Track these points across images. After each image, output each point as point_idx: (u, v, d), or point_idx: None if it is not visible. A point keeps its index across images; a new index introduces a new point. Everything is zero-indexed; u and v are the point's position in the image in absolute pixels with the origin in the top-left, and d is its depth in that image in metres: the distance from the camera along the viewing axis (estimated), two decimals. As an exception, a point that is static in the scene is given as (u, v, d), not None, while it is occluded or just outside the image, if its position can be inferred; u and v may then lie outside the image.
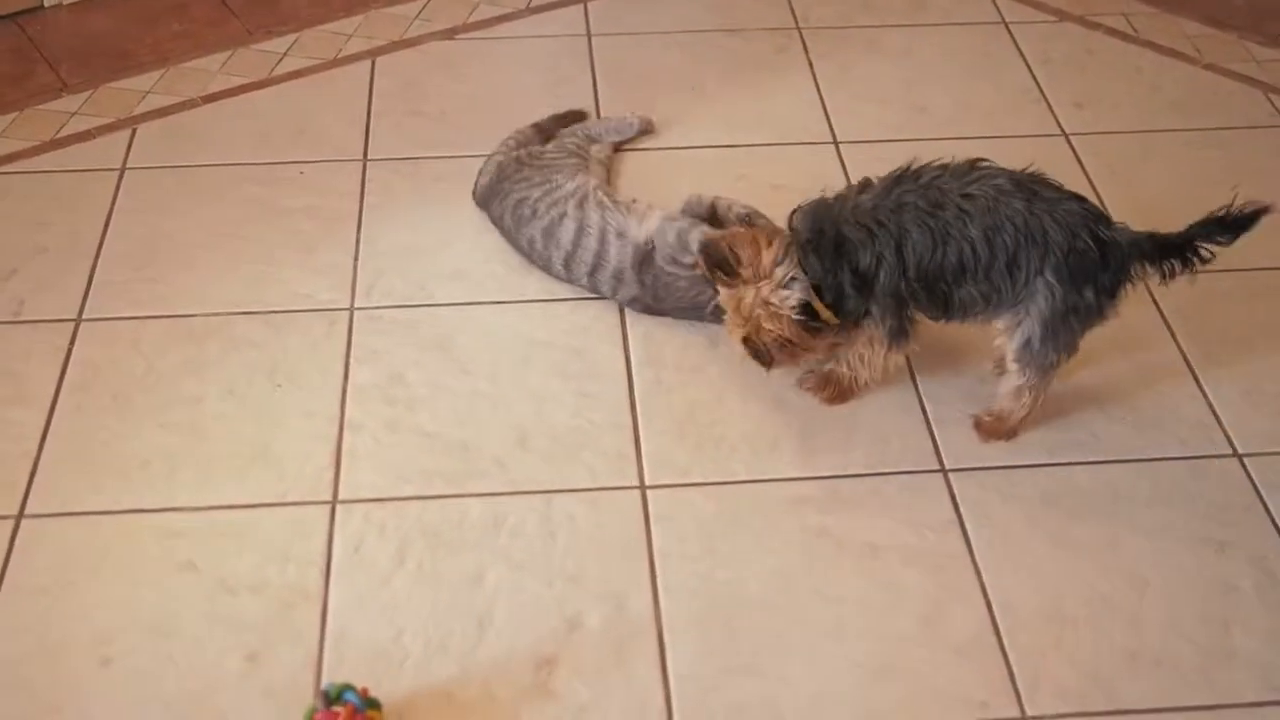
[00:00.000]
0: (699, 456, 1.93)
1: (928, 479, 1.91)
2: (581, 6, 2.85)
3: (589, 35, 2.77)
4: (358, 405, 1.99)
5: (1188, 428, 1.99)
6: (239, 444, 1.93)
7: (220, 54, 2.70)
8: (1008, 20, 2.81)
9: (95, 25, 2.77)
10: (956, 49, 2.70)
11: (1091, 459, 1.94)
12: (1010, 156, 2.37)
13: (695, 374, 2.05)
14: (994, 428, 1.95)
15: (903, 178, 1.84)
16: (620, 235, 2.11)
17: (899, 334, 1.89)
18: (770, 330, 1.84)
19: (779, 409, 2.00)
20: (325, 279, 2.20)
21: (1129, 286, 1.82)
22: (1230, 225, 1.80)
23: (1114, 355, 2.09)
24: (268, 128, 2.52)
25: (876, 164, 2.39)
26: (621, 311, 2.14)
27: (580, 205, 2.15)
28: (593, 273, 2.13)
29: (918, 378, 2.05)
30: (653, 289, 2.10)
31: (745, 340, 1.88)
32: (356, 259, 2.23)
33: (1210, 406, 2.02)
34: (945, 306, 1.86)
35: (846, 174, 2.41)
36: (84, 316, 2.11)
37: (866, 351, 1.93)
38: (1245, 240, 2.27)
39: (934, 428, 1.97)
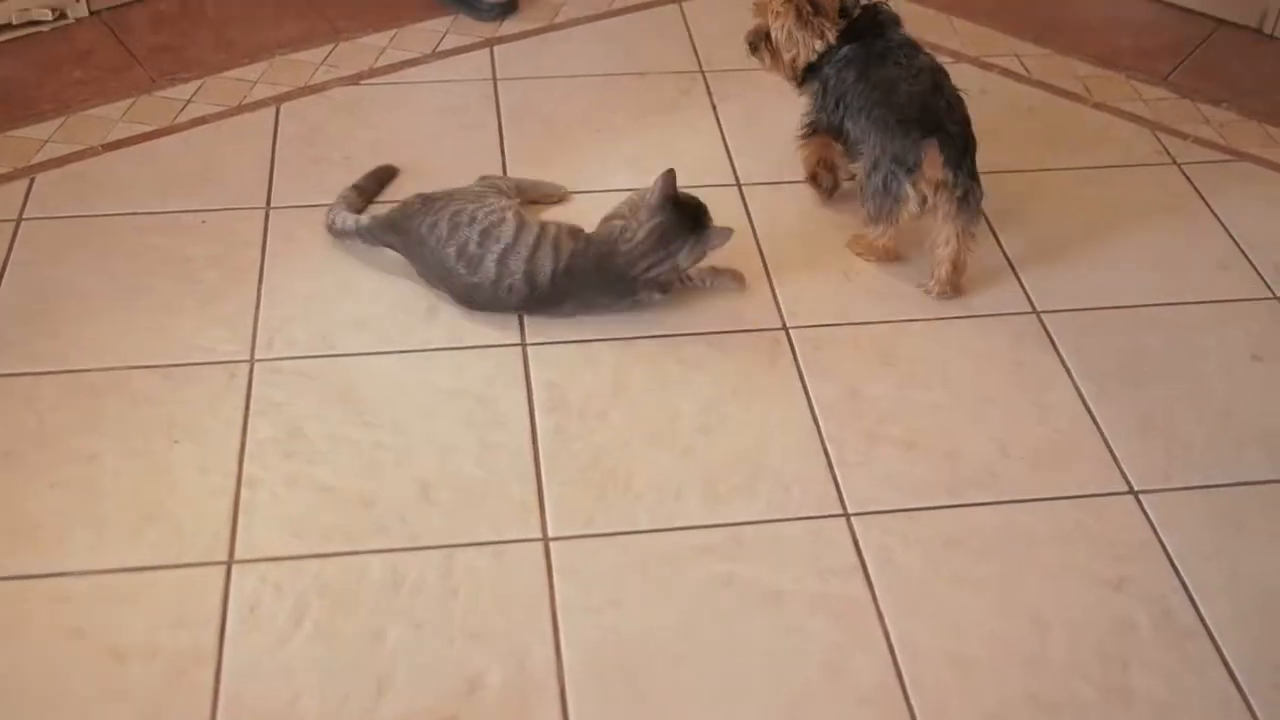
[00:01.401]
0: (602, 506, 1.92)
1: (830, 524, 1.91)
2: (487, 50, 2.85)
3: (494, 79, 2.77)
4: (256, 460, 1.96)
5: (1085, 465, 2.01)
6: (133, 503, 1.90)
7: (123, 101, 2.67)
8: (909, 60, 2.84)
9: (-7, 73, 2.74)
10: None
11: (992, 499, 1.95)
12: None
13: (599, 421, 2.04)
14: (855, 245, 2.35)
15: (905, 45, 2.29)
16: (574, 234, 2.18)
17: (811, 119, 2.39)
18: None
19: (683, 455, 1.99)
20: (226, 330, 2.17)
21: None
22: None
23: (1012, 394, 2.12)
24: (170, 176, 2.49)
25: (780, 205, 2.45)
26: (525, 359, 2.14)
27: (518, 215, 2.19)
28: (529, 268, 2.14)
29: (820, 421, 2.05)
30: (600, 281, 2.17)
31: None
32: (258, 309, 2.21)
33: (1106, 444, 2.04)
34: (837, 130, 2.32)
35: (750, 217, 2.42)
36: (-26, 374, 2.08)
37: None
38: (1132, 277, 2.33)
39: (836, 471, 1.98)
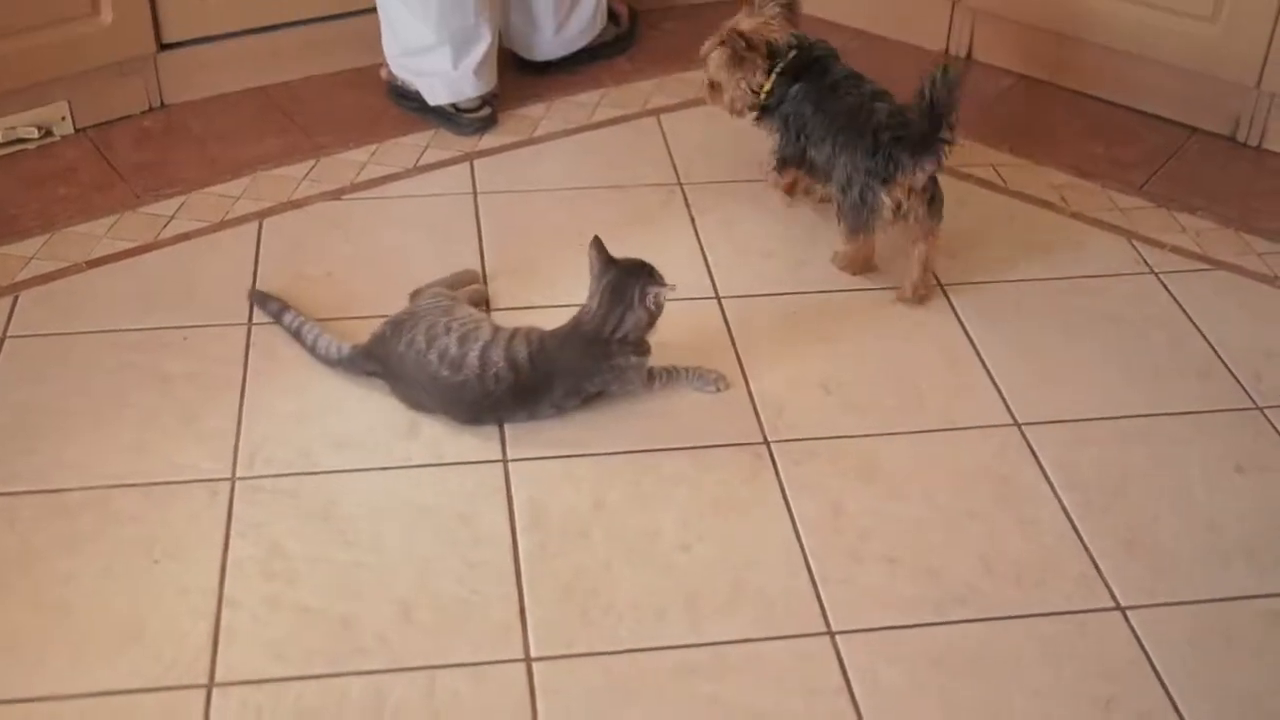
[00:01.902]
0: (585, 625, 1.90)
1: (815, 642, 1.89)
2: (468, 164, 2.88)
3: (475, 193, 2.79)
4: (237, 580, 1.95)
5: (1071, 581, 2.00)
6: (113, 624, 1.88)
7: (107, 218, 2.68)
8: (885, 173, 2.87)
9: (-23, 191, 2.75)
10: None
11: (976, 616, 1.94)
12: (887, 304, 2.44)
13: (580, 539, 2.03)
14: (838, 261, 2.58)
15: (851, 76, 2.54)
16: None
17: (778, 152, 2.63)
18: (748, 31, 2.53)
19: (665, 573, 1.98)
20: (207, 448, 2.16)
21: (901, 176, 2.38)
22: (934, 98, 2.30)
23: (994, 508, 2.11)
24: (153, 292, 2.50)
25: (760, 318, 2.46)
26: (507, 475, 2.13)
27: (490, 321, 2.29)
28: (509, 355, 2.17)
29: (802, 537, 2.05)
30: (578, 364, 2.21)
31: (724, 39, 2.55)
32: (239, 426, 2.21)
33: (1091, 558, 2.03)
34: (800, 159, 2.58)
35: (729, 329, 2.44)
36: (-46, 495, 2.06)
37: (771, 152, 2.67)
38: (1113, 388, 2.33)
39: (819, 588, 1.97)
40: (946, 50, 3.35)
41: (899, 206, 2.39)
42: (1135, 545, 2.06)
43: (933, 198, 2.43)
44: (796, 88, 2.53)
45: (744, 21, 2.55)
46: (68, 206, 2.72)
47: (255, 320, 2.42)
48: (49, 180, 2.79)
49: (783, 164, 2.65)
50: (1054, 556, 2.04)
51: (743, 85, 2.56)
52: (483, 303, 2.47)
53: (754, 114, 2.61)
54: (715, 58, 2.56)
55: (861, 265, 2.57)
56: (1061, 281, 2.60)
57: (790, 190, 2.75)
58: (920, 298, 2.50)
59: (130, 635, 1.87)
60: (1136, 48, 3.05)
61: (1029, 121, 3.11)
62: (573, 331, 2.23)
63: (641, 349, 2.24)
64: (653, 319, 2.22)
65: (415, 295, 2.39)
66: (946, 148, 2.34)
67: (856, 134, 2.41)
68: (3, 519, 2.03)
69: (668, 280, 2.20)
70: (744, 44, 2.51)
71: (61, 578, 1.94)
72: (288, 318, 2.37)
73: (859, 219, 2.45)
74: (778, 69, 2.54)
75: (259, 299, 2.44)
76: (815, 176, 2.60)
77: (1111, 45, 3.08)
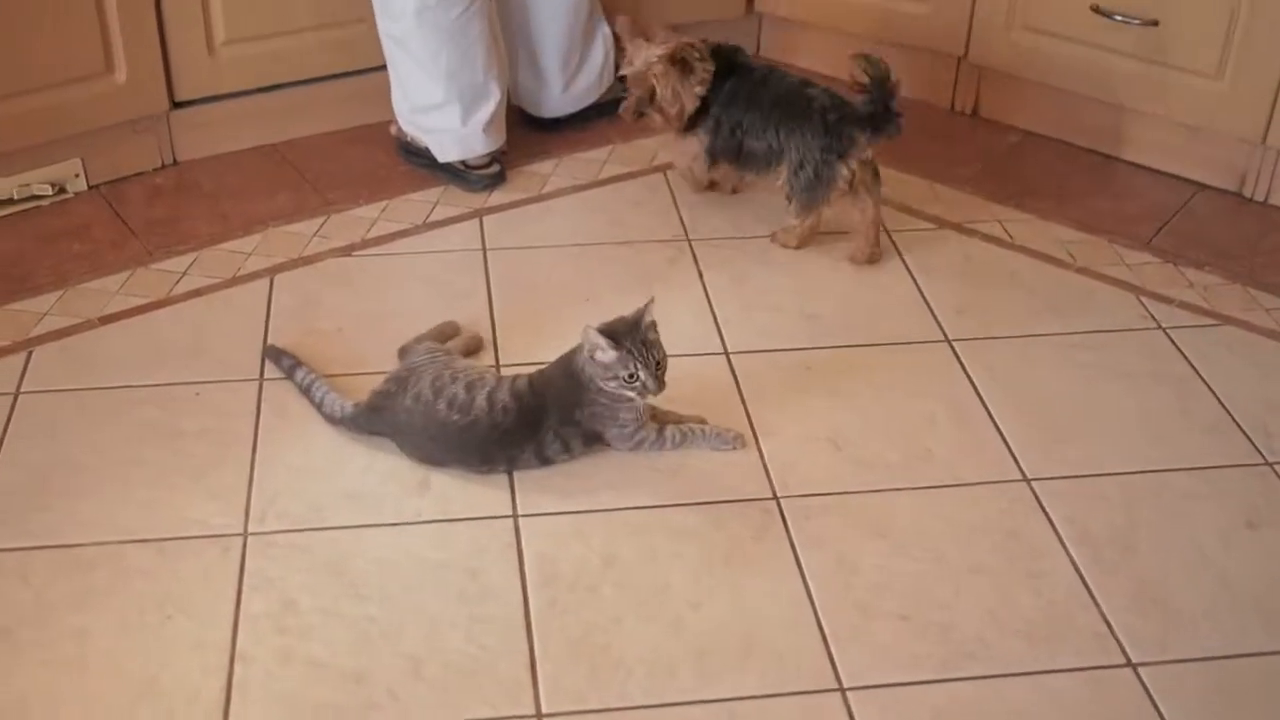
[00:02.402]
0: (595, 681, 1.90)
1: (826, 699, 1.89)
2: (477, 221, 2.90)
3: (484, 249, 2.81)
4: (249, 635, 1.95)
5: (1081, 637, 1.99)
6: (125, 680, 1.88)
7: (120, 274, 2.71)
8: (890, 229, 2.88)
9: (-7, 247, 2.77)
10: (842, 258, 2.78)
11: (987, 673, 1.93)
12: (896, 363, 2.51)
13: (591, 594, 2.04)
14: (784, 238, 2.80)
15: (775, 71, 2.80)
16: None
17: (709, 151, 2.82)
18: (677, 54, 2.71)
19: (675, 629, 1.98)
20: (219, 503, 2.17)
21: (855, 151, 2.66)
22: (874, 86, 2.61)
23: (1004, 564, 2.11)
24: (165, 348, 2.51)
25: (768, 373, 2.48)
26: (517, 530, 2.14)
27: (494, 371, 2.35)
28: (514, 390, 2.21)
29: (812, 593, 2.05)
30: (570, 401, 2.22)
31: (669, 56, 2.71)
32: (251, 482, 2.22)
33: (1102, 614, 2.03)
34: (737, 153, 2.78)
35: (739, 385, 2.45)
36: (-32, 551, 2.07)
37: (693, 144, 2.84)
38: (1122, 443, 2.33)
39: (830, 644, 1.97)
40: (952, 106, 3.38)
41: (853, 177, 2.64)
42: (1146, 601, 2.06)
43: (875, 170, 2.69)
44: (727, 86, 2.73)
45: (659, 49, 2.71)
46: (81, 263, 2.74)
47: (267, 376, 2.44)
48: (62, 237, 2.82)
49: (713, 158, 2.82)
50: (1064, 612, 2.03)
51: (695, 91, 2.72)
52: (478, 350, 2.50)
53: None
54: (666, 76, 2.71)
55: (806, 239, 2.79)
56: (1069, 337, 2.61)
57: (712, 187, 2.97)
58: (873, 259, 2.76)
59: (143, 691, 1.87)
60: (1142, 104, 3.08)
61: (1035, 177, 3.13)
62: (561, 364, 2.26)
63: (616, 395, 2.21)
64: (601, 371, 2.18)
65: (403, 352, 2.41)
66: (899, 119, 2.63)
67: (802, 118, 2.65)
68: (17, 574, 2.03)
69: (667, 341, 2.22)
70: (696, 55, 2.70)
71: (75, 633, 1.95)
72: (299, 374, 2.39)
73: (814, 194, 2.68)
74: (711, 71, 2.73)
75: (273, 354, 2.46)
76: (750, 166, 2.79)
77: (1117, 102, 3.11)
